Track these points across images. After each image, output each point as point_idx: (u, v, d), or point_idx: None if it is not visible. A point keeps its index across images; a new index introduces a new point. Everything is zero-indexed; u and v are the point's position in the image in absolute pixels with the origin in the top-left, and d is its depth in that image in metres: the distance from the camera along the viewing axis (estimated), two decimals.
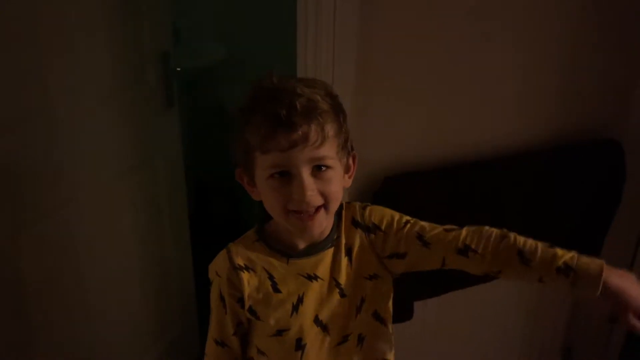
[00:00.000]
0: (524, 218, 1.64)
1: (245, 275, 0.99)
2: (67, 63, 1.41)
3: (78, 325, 1.59)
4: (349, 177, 1.00)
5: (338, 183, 0.94)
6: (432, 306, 1.66)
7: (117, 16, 1.53)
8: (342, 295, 1.01)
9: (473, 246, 0.96)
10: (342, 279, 1.01)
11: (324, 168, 0.91)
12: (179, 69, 1.81)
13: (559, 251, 0.93)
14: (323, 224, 0.95)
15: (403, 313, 1.62)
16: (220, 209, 2.78)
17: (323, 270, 1.00)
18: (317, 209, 0.92)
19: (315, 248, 1.00)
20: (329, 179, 0.92)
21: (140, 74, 1.67)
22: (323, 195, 0.92)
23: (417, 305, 1.62)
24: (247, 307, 1.00)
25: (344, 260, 1.01)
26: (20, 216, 1.37)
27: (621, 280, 0.89)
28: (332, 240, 1.01)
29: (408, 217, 1.03)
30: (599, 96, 1.68)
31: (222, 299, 1.02)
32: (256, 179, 0.95)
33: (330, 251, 1.01)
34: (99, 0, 1.47)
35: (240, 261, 1.00)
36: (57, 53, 1.38)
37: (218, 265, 1.02)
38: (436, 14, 1.40)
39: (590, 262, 0.91)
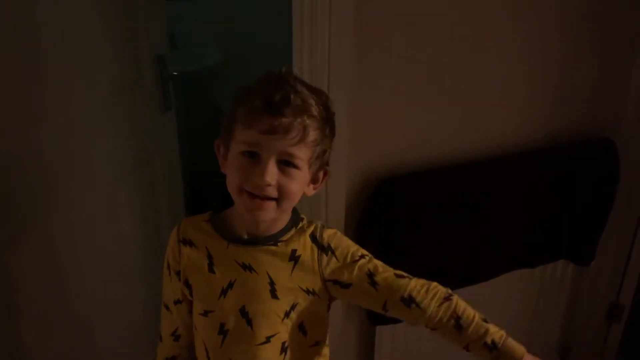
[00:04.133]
0: (519, 217, 1.65)
1: (185, 249, 1.05)
2: (66, 68, 1.42)
3: (78, 327, 1.59)
4: (314, 188, 1.02)
5: (299, 185, 0.96)
6: None
7: (114, 22, 1.55)
8: (274, 296, 1.02)
9: (417, 299, 0.99)
10: (278, 280, 1.02)
11: (291, 165, 0.93)
12: (175, 73, 1.83)
13: (491, 327, 0.98)
14: (270, 214, 0.96)
15: None
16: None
17: (259, 264, 1.02)
18: (270, 199, 0.94)
19: (255, 240, 1.02)
20: (292, 176, 0.94)
21: (138, 78, 1.68)
22: (280, 189, 0.93)
23: None
24: (183, 279, 1.07)
25: (288, 264, 1.02)
26: (21, 218, 1.37)
27: None
28: (275, 239, 1.02)
29: (364, 252, 1.04)
30: (594, 96, 1.69)
31: (168, 266, 1.09)
32: (230, 152, 0.97)
33: (272, 249, 1.02)
34: (96, 6, 1.48)
35: (185, 235, 1.06)
36: (56, 58, 1.39)
37: (171, 236, 1.08)
38: (432, 15, 1.41)
39: (514, 347, 0.98)
